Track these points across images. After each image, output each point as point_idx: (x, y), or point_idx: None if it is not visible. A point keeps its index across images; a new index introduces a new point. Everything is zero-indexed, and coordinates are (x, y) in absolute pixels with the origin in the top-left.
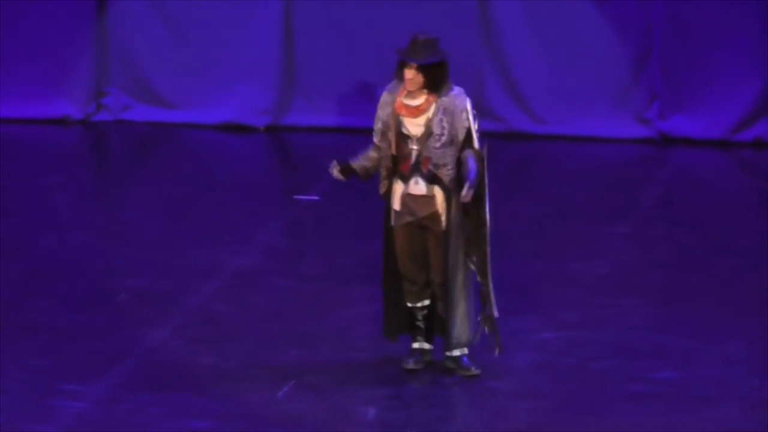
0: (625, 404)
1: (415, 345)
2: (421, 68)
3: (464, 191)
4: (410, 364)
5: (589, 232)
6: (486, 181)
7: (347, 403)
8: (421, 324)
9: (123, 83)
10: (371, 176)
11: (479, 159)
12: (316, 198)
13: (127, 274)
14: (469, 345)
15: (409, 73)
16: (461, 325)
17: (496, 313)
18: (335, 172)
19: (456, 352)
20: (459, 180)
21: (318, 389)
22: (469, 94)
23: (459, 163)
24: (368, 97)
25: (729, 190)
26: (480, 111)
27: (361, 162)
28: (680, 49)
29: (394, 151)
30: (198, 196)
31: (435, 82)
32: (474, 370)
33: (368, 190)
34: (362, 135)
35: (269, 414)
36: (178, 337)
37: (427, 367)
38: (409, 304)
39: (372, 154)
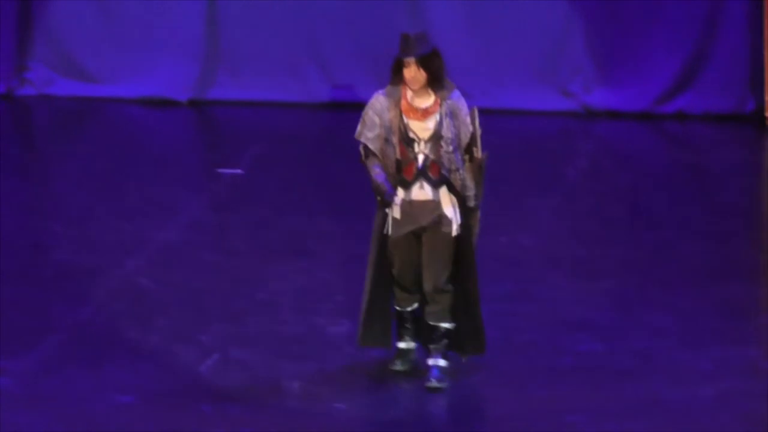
0: (551, 377)
1: (402, 345)
2: (421, 62)
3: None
4: (398, 366)
5: (514, 204)
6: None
7: (273, 377)
8: (409, 325)
9: (46, 57)
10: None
11: (479, 169)
12: (240, 171)
13: (51, 249)
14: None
15: (410, 71)
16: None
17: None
18: (395, 205)
19: (441, 362)
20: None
21: (244, 363)
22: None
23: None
24: (291, 70)
25: (653, 162)
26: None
27: (386, 176)
28: (604, 21)
29: (399, 155)
30: (122, 171)
31: (437, 74)
32: (437, 383)
33: (292, 165)
34: (285, 108)
35: (195, 388)
36: (103, 311)
37: (414, 369)
38: (399, 308)
39: (378, 164)
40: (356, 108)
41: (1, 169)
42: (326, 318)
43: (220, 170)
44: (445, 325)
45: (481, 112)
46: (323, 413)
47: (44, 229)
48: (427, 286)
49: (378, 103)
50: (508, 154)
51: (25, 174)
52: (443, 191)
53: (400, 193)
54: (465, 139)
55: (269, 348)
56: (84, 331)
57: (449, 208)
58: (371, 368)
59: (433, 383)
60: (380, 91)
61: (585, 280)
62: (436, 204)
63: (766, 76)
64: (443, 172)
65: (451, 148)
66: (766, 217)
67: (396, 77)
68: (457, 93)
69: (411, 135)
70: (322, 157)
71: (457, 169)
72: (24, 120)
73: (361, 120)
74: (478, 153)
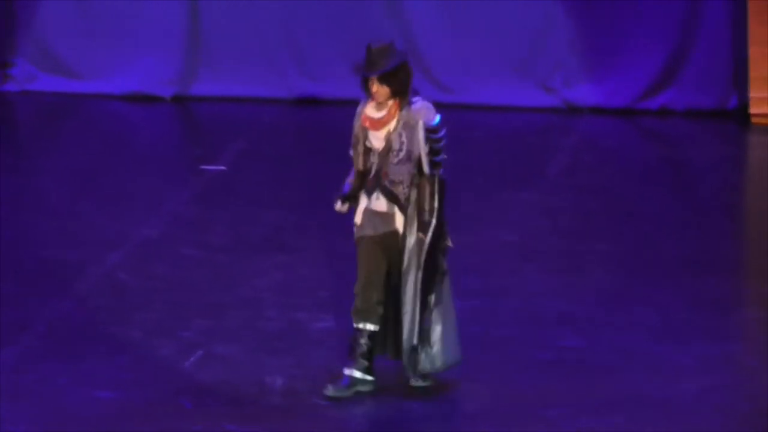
0: (530, 372)
1: (346, 371)
2: (383, 79)
3: (420, 235)
4: (330, 390)
5: (495, 199)
6: (440, 205)
7: (255, 373)
8: (362, 348)
9: (28, 54)
10: None
11: (431, 188)
12: (223, 168)
13: (33, 244)
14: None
15: (373, 87)
16: (439, 347)
17: (414, 341)
18: (339, 206)
19: (420, 382)
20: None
21: (226, 359)
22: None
23: (416, 183)
24: (273, 66)
25: (634, 158)
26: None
27: (354, 185)
28: (585, 17)
29: (361, 165)
30: (105, 166)
31: (401, 88)
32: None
33: (275, 160)
34: (266, 104)
35: (177, 384)
36: (83, 306)
37: (352, 397)
38: (354, 325)
39: (354, 178)
40: (335, 104)
41: None
42: (308, 313)
43: (204, 166)
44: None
45: (462, 108)
46: (305, 409)
47: (26, 224)
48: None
49: (357, 110)
50: (489, 150)
51: (7, 169)
52: (398, 207)
53: (364, 200)
54: (416, 151)
55: (251, 343)
56: (64, 326)
57: (401, 223)
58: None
59: (417, 381)
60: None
61: (566, 274)
62: (390, 217)
63: (749, 72)
64: (386, 183)
65: (396, 160)
66: (748, 212)
67: (365, 89)
68: (418, 104)
69: (368, 144)
70: (303, 153)
71: (401, 182)
72: (7, 116)
73: None
74: (425, 168)
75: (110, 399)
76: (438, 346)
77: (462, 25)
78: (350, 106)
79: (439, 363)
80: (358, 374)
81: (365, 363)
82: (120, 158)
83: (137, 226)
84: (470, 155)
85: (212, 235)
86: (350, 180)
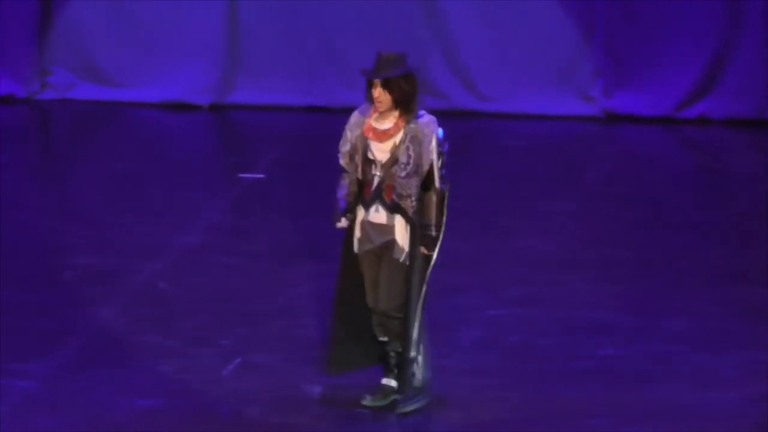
0: (571, 381)
1: (384, 381)
2: (386, 85)
3: (424, 251)
4: (367, 400)
5: (534, 209)
6: (445, 220)
7: (293, 381)
8: (393, 360)
9: (68, 62)
10: None
11: (440, 202)
12: (261, 176)
13: (72, 253)
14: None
15: (375, 92)
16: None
17: (413, 353)
18: (339, 225)
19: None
20: (420, 212)
21: (264, 367)
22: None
23: (421, 197)
24: (311, 75)
25: (673, 167)
26: (425, 89)
27: (349, 198)
28: (625, 26)
29: (360, 175)
30: (143, 175)
31: (404, 98)
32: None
33: (313, 169)
34: (305, 113)
35: (216, 392)
36: (123, 315)
37: (389, 406)
38: (379, 338)
39: (346, 181)
40: None
41: (22, 173)
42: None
43: (242, 175)
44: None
45: (502, 116)
46: (343, 417)
47: (65, 233)
48: (378, 305)
49: (353, 119)
50: (529, 159)
51: (46, 178)
52: (398, 217)
53: (361, 212)
54: (426, 166)
55: (289, 352)
56: (104, 335)
57: (401, 235)
58: None
59: (401, 407)
60: (360, 107)
61: (605, 283)
62: (389, 229)
63: None
64: (394, 197)
65: (404, 173)
66: None
67: (368, 95)
68: (425, 118)
69: (371, 156)
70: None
71: (409, 196)
72: (45, 124)
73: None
74: (436, 183)
75: (150, 408)
76: (424, 360)
77: (502, 33)
78: None
79: (424, 377)
80: (393, 383)
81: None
82: (158, 166)
83: (176, 234)
84: (510, 164)
85: (250, 244)
86: (344, 194)
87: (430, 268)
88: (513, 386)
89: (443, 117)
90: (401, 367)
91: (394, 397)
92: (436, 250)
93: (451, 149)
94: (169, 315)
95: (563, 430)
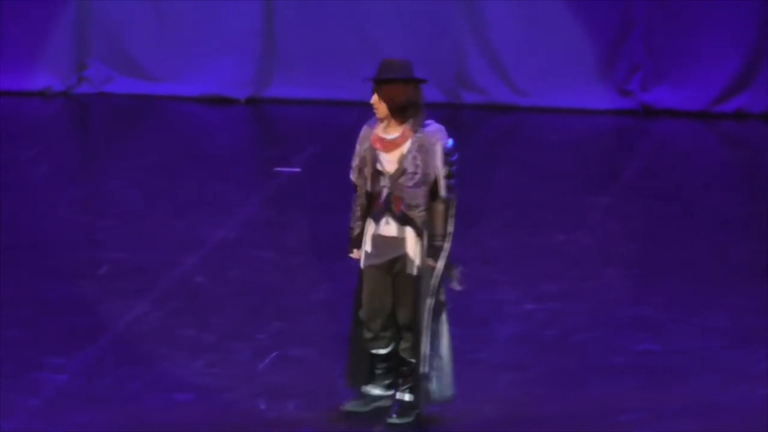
0: (605, 376)
1: (367, 389)
2: (379, 91)
3: (430, 262)
4: (348, 405)
5: (570, 203)
6: (451, 230)
7: (329, 376)
8: (380, 370)
9: (104, 55)
10: None
11: (446, 212)
12: (297, 170)
13: (108, 247)
14: (444, 401)
15: (372, 99)
16: (441, 378)
17: (425, 369)
18: (352, 256)
19: (406, 397)
20: (428, 222)
21: (300, 361)
22: (451, 66)
23: (429, 207)
24: (348, 69)
25: (710, 161)
26: (462, 83)
27: (359, 221)
28: (662, 20)
29: (369, 188)
30: (179, 169)
31: (394, 104)
32: (397, 419)
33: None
34: (341, 107)
35: (251, 386)
36: (159, 309)
37: (370, 410)
38: (371, 350)
39: (359, 202)
40: None
41: (59, 167)
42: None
43: (278, 169)
44: (414, 361)
45: (539, 111)
46: (378, 412)
47: (101, 227)
48: (399, 321)
49: (362, 133)
50: (565, 153)
51: (82, 172)
52: (409, 230)
53: (371, 226)
54: (433, 175)
55: (325, 346)
56: (140, 329)
57: (413, 249)
58: None
59: (393, 419)
60: (369, 120)
61: (641, 279)
62: (400, 242)
63: None
64: (403, 207)
65: (411, 183)
66: None
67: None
68: (432, 126)
69: (379, 167)
70: None
71: (418, 206)
72: (82, 118)
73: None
74: (442, 192)
75: (186, 402)
76: (441, 376)
77: (540, 28)
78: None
79: (446, 393)
80: (376, 391)
81: (386, 381)
82: (195, 160)
83: (212, 228)
84: (546, 158)
85: (286, 238)
86: (357, 215)
87: (435, 279)
88: (547, 381)
89: (480, 111)
90: (415, 382)
91: (376, 404)
92: (440, 260)
93: (489, 143)
94: (204, 309)
95: (595, 425)
